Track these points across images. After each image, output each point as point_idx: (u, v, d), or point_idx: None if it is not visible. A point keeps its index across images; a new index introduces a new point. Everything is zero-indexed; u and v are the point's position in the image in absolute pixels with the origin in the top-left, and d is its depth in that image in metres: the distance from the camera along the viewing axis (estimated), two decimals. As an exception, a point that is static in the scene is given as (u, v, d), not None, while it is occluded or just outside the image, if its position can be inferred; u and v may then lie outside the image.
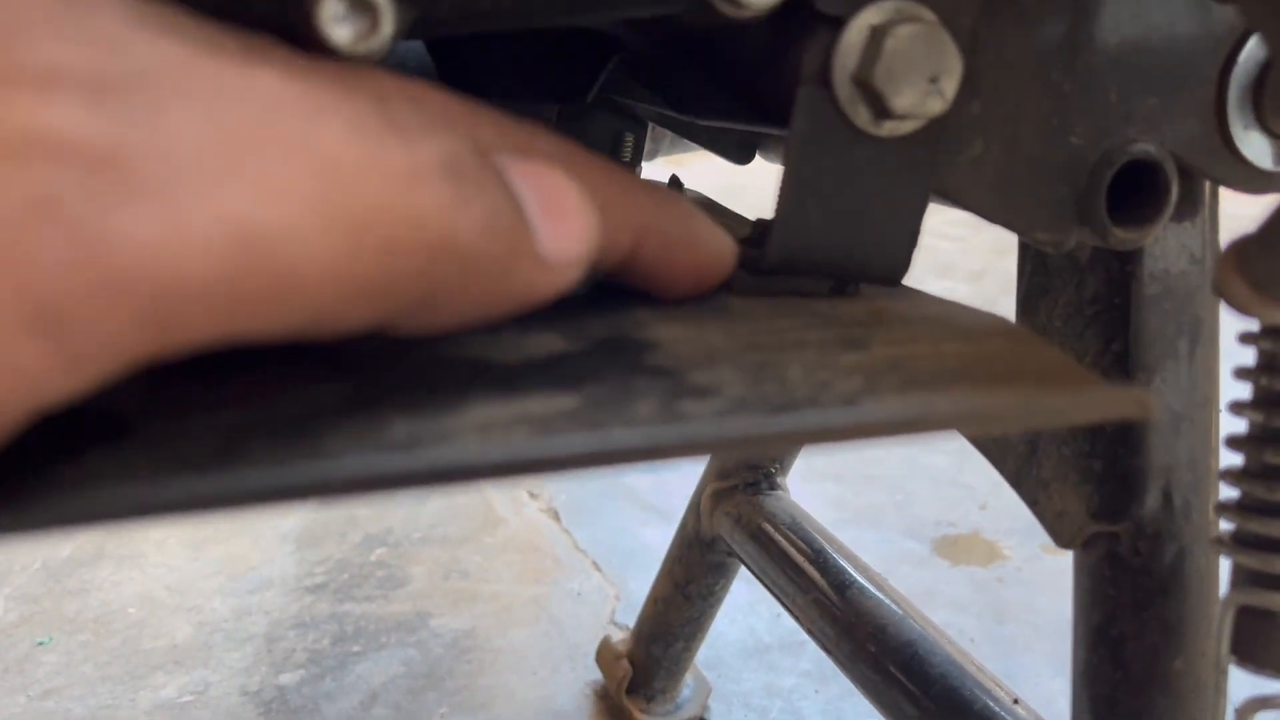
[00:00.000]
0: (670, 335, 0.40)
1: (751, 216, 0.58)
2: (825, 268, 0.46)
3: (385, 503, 1.47)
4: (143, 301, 0.15)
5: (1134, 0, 0.46)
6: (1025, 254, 0.59)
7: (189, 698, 1.06)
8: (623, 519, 1.43)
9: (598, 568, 1.31)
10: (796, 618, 0.76)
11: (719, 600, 0.96)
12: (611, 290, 0.45)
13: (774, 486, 0.87)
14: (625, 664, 1.00)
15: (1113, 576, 0.52)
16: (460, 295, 0.22)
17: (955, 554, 1.31)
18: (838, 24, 0.42)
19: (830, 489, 1.45)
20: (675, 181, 0.70)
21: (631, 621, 1.15)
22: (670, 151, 0.78)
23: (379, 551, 1.35)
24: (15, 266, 0.14)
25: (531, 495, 1.50)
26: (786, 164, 0.44)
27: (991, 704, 0.60)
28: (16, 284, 0.14)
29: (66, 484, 0.25)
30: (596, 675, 1.08)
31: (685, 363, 0.37)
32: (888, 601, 0.71)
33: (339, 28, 0.34)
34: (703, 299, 0.45)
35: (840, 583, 0.74)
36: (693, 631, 0.98)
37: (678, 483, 1.51)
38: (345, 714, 1.03)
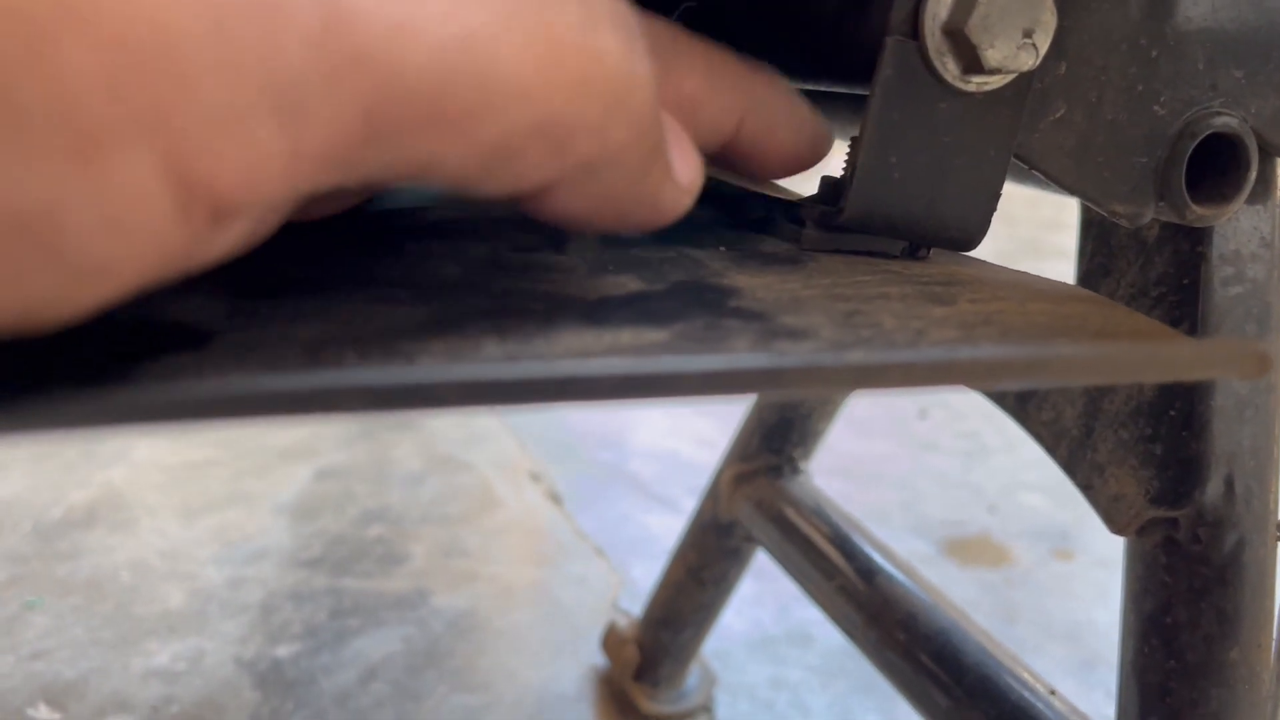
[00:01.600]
0: (749, 283, 0.38)
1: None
2: (901, 227, 0.44)
3: (382, 480, 1.45)
4: (369, 94, 0.15)
5: (1227, -33, 0.44)
6: (1087, 232, 0.57)
7: (182, 665, 1.03)
8: (625, 505, 1.41)
9: (600, 553, 1.29)
10: (821, 604, 0.74)
11: (731, 587, 0.94)
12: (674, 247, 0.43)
13: (796, 471, 0.85)
14: (633, 649, 0.98)
15: (1169, 564, 0.50)
16: (611, 174, 0.21)
17: (964, 555, 1.30)
18: (931, -30, 0.41)
19: (837, 485, 1.43)
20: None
21: (635, 608, 1.13)
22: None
23: (377, 528, 1.32)
24: (266, 40, 0.13)
25: (533, 478, 1.48)
26: (868, 116, 0.42)
27: (1028, 695, 0.58)
28: (266, 58, 0.13)
29: (151, 378, 0.23)
30: (599, 660, 1.06)
31: (772, 306, 0.35)
32: (917, 589, 0.69)
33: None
34: (774, 254, 0.43)
35: (867, 569, 0.72)
36: (703, 619, 0.96)
37: (681, 472, 1.49)
38: (343, 688, 1.01)
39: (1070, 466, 0.53)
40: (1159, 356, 0.30)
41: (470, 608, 1.15)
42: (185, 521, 1.31)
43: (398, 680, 1.02)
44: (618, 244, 0.42)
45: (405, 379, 0.24)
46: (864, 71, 0.43)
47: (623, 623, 1.03)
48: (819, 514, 0.79)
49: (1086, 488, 0.52)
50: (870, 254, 0.42)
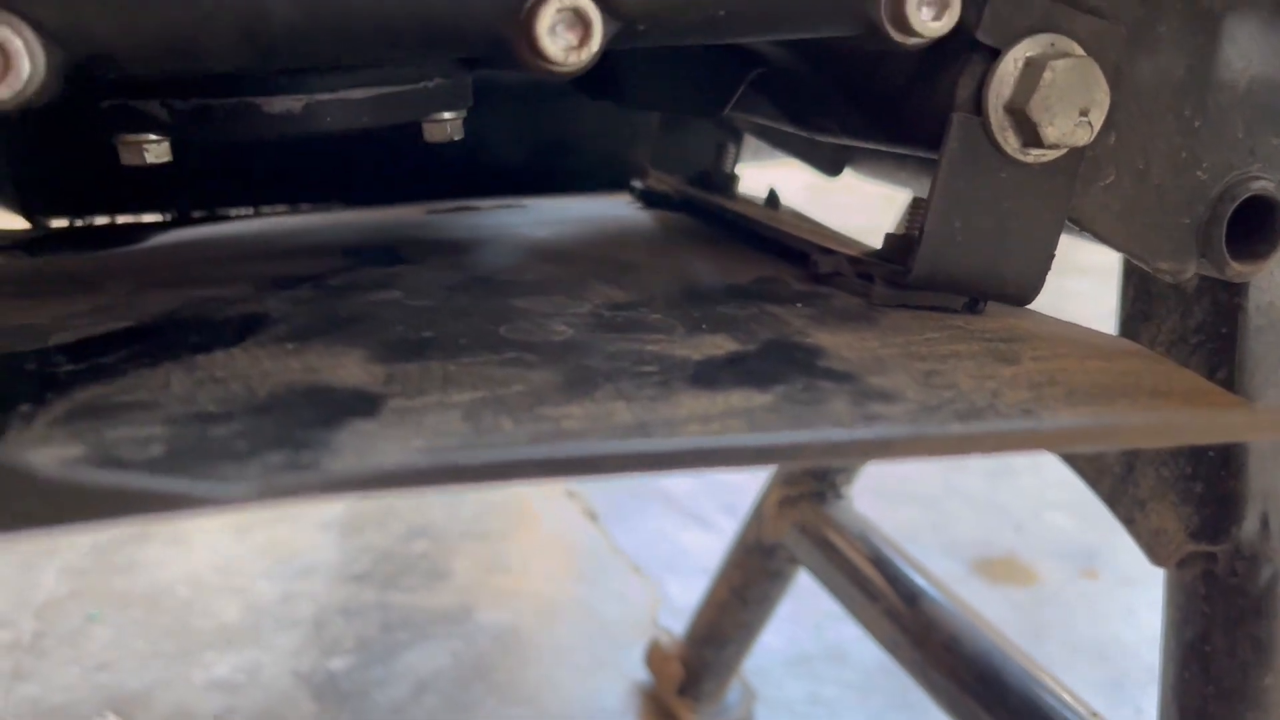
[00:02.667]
0: (832, 341, 0.42)
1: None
2: (965, 284, 0.48)
3: (422, 496, 1.49)
4: None
5: (1262, 41, 0.48)
6: (1128, 280, 0.61)
7: (242, 677, 1.07)
8: (660, 522, 1.45)
9: (637, 570, 1.33)
10: (865, 626, 0.78)
11: (773, 606, 0.98)
12: (749, 294, 0.47)
13: (839, 496, 0.88)
14: (678, 665, 1.01)
15: (1207, 595, 0.54)
16: None
17: (992, 574, 1.33)
18: (993, 54, 0.45)
19: (867, 503, 1.46)
20: (773, 195, 0.72)
21: (673, 625, 1.17)
22: (752, 161, 0.80)
23: (421, 543, 1.36)
24: None
25: (569, 495, 1.52)
26: (936, 184, 0.46)
27: (1071, 717, 0.61)
28: None
29: (350, 450, 0.27)
30: (640, 675, 1.09)
31: (857, 367, 0.39)
32: (959, 613, 0.73)
33: (554, 40, 0.36)
34: (847, 310, 0.47)
35: (910, 593, 0.75)
36: (745, 636, 1.00)
37: (713, 489, 1.53)
38: (396, 701, 1.04)
39: (1112, 501, 0.56)
40: (1218, 423, 0.34)
41: (513, 622, 1.19)
42: (236, 537, 1.36)
43: (448, 693, 1.06)
44: (703, 300, 0.46)
45: (571, 453, 0.27)
46: (925, 137, 0.47)
47: (665, 640, 1.06)
48: (863, 539, 0.82)
49: (1129, 521, 0.55)
50: (934, 309, 0.46)
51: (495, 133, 0.75)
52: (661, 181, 0.71)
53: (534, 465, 0.26)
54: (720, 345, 0.40)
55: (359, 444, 0.28)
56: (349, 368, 0.34)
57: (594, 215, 0.67)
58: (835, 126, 0.54)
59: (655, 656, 1.06)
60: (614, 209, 0.69)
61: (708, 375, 0.36)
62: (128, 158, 0.43)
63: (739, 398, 0.34)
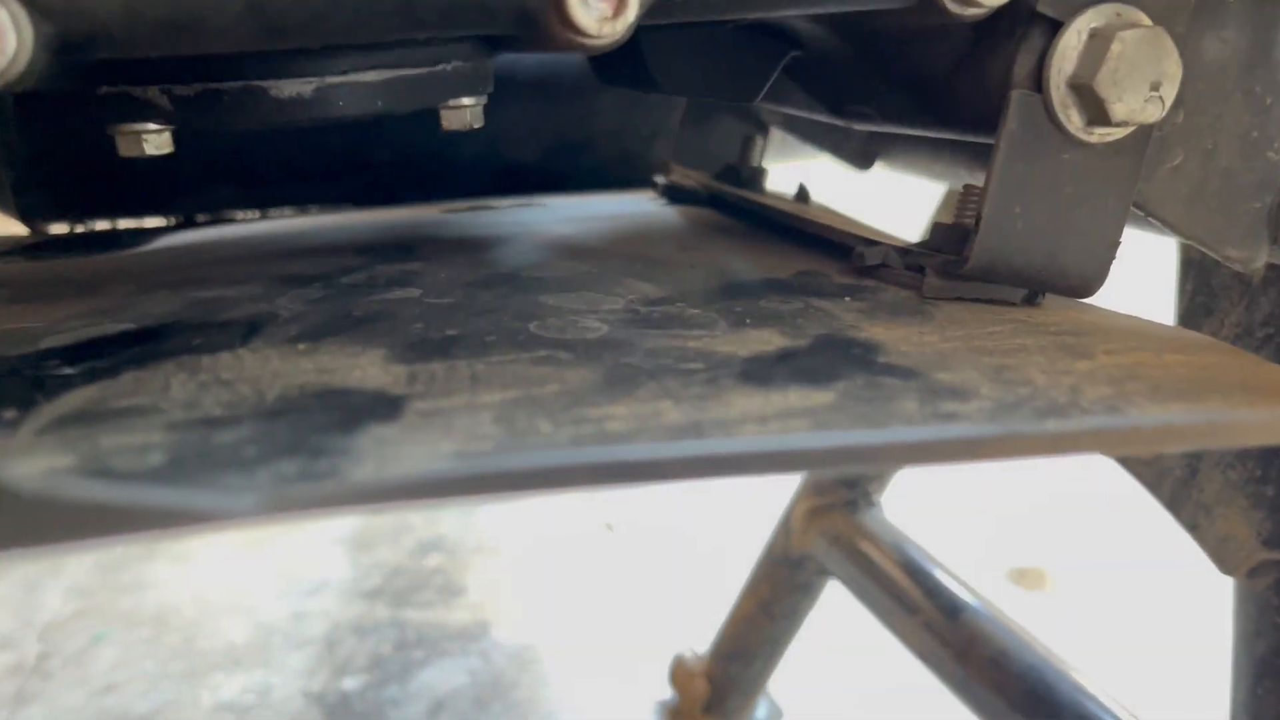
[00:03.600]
0: (887, 335, 0.39)
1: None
2: (1023, 275, 0.45)
3: (434, 509, 1.46)
4: None
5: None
6: (1186, 272, 0.57)
7: (251, 698, 1.04)
8: (678, 537, 1.41)
9: (657, 584, 1.29)
10: (904, 640, 0.74)
11: (802, 620, 0.94)
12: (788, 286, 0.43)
13: (871, 504, 0.85)
14: (702, 682, 0.98)
15: (1281, 606, 0.50)
16: None
17: (1026, 582, 1.30)
18: (1054, 26, 0.41)
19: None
20: (802, 189, 0.69)
21: (698, 642, 1.13)
22: (775, 158, 0.77)
23: (434, 558, 1.33)
24: None
25: (586, 505, 1.49)
26: (994, 168, 0.43)
27: (1129, 735, 0.58)
28: None
29: (372, 458, 0.24)
30: (663, 692, 1.06)
31: (920, 362, 0.35)
32: (1004, 625, 0.69)
33: (586, 10, 0.33)
34: (898, 303, 0.43)
35: (951, 605, 0.72)
36: (772, 651, 0.96)
37: (717, 512, 1.50)
38: (412, 722, 1.01)
39: (1174, 506, 0.53)
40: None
41: (530, 639, 1.16)
42: (243, 553, 1.33)
43: (465, 713, 1.03)
44: (743, 294, 0.43)
45: (623, 457, 0.24)
46: (977, 119, 0.44)
47: (689, 656, 1.03)
48: (897, 549, 0.79)
49: (1193, 528, 0.52)
50: (991, 301, 0.43)
51: (510, 129, 0.72)
52: (686, 176, 0.68)
53: (582, 472, 0.23)
54: (768, 341, 0.37)
55: (381, 450, 0.25)
56: (367, 368, 0.31)
57: (618, 212, 0.64)
58: (874, 113, 0.51)
59: (680, 673, 1.02)
60: (638, 205, 0.66)
61: (759, 372, 0.33)
62: (126, 149, 0.40)
63: (796, 396, 0.31)
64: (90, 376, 0.31)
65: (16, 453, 0.24)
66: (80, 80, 0.37)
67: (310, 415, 0.27)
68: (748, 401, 0.29)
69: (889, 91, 0.48)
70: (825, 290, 0.44)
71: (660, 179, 0.67)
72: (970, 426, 0.27)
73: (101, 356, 0.33)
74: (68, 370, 0.32)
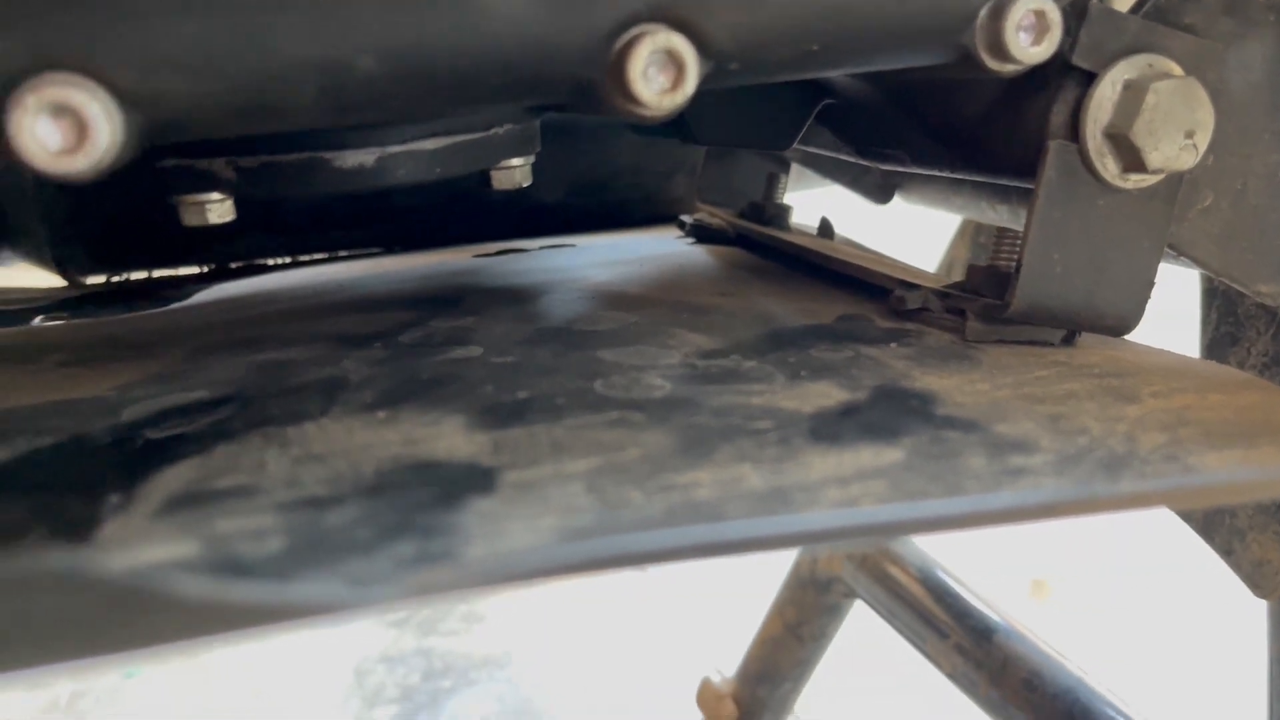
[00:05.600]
0: (942, 385, 0.40)
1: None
2: (1062, 316, 0.46)
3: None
4: None
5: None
6: (1210, 301, 0.59)
7: (284, 733, 1.05)
8: (691, 565, 1.42)
9: (679, 607, 1.30)
10: (936, 662, 0.75)
11: (829, 642, 0.95)
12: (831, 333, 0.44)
13: (897, 528, 0.86)
14: (731, 705, 0.99)
15: (1315, 628, 0.52)
16: None
17: (1043, 594, 1.31)
18: (1089, 78, 0.43)
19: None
20: (825, 224, 0.71)
21: (725, 666, 1.14)
22: (793, 185, 0.78)
23: (456, 586, 1.34)
24: None
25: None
26: (1033, 216, 0.44)
27: (1168, 755, 0.59)
28: None
29: (480, 538, 0.25)
30: (692, 716, 1.06)
31: (978, 414, 0.36)
32: (1037, 647, 0.70)
33: (647, 84, 0.35)
34: (944, 349, 0.45)
35: (983, 627, 0.73)
36: (800, 673, 0.97)
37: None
38: (444, 752, 1.02)
39: (1208, 531, 0.54)
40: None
41: (556, 666, 1.16)
42: (267, 585, 1.33)
43: (497, 741, 1.04)
44: (791, 343, 0.44)
45: (727, 536, 0.25)
46: (1011, 165, 0.45)
47: (717, 679, 1.04)
48: (925, 570, 0.80)
49: (1227, 553, 0.53)
50: (1032, 343, 0.44)
51: (534, 171, 0.73)
52: (713, 215, 0.69)
53: (687, 550, 0.24)
54: (828, 394, 0.38)
55: (486, 526, 0.26)
56: (450, 437, 0.32)
57: (649, 254, 0.65)
58: (906, 156, 0.53)
59: (707, 696, 1.03)
60: (666, 245, 0.68)
61: (827, 430, 0.34)
62: (190, 218, 0.41)
63: (868, 454, 0.32)
64: (178, 453, 0.31)
65: (135, 540, 0.25)
66: (150, 157, 0.39)
67: (411, 491, 0.28)
68: (823, 462, 0.31)
69: (920, 136, 0.50)
70: (870, 336, 0.45)
71: (686, 218, 0.68)
72: (1050, 490, 0.28)
73: (184, 429, 0.34)
74: (154, 446, 0.33)
